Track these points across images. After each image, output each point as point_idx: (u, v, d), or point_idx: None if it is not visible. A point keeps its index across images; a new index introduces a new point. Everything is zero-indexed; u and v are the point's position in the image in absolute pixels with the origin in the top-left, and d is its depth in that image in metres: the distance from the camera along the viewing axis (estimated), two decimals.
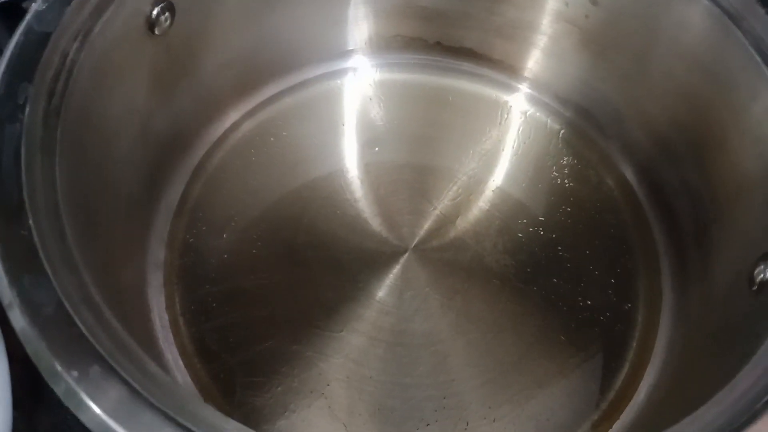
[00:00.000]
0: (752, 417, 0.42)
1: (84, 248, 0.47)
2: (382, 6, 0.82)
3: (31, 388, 0.50)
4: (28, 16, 0.53)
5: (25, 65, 0.51)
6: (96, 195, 0.57)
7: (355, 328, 0.68)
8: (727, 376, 0.46)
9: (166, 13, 0.64)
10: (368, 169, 0.79)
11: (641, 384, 0.66)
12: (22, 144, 0.48)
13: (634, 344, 0.69)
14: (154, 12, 0.63)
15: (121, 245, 0.63)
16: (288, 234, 0.73)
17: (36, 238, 0.44)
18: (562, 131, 0.82)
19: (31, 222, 0.44)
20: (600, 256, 0.74)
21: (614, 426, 0.64)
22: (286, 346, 0.66)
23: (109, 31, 0.58)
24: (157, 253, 0.71)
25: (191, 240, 0.72)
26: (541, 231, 0.75)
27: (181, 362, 0.65)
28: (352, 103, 0.84)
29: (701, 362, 0.60)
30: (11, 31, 0.53)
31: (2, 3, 0.71)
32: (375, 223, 0.75)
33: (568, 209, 0.77)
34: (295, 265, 0.72)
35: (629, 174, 0.79)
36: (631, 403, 0.65)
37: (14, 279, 0.42)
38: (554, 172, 0.79)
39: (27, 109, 0.49)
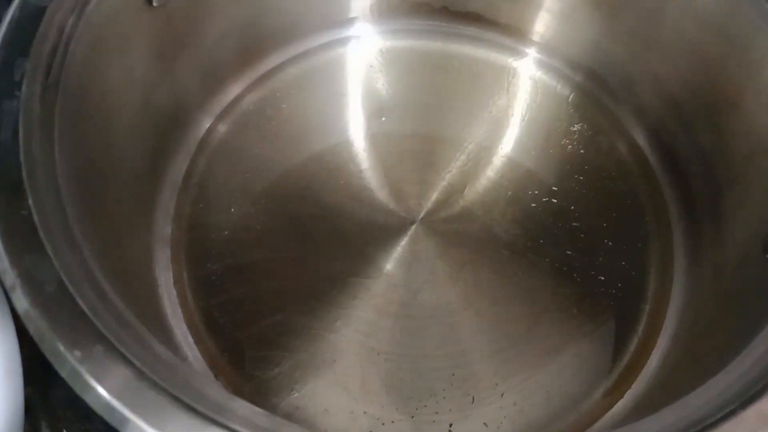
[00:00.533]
0: (766, 386, 0.42)
1: (86, 226, 0.46)
2: None
3: (42, 365, 0.50)
4: None
5: (20, 40, 0.50)
6: (98, 171, 0.57)
7: (364, 300, 0.67)
8: (740, 344, 0.45)
9: None
10: (374, 139, 0.77)
11: (653, 353, 0.66)
12: (20, 121, 0.47)
13: (646, 313, 0.68)
14: None
15: (125, 221, 0.62)
16: (294, 207, 0.73)
17: (36, 217, 0.43)
18: (572, 96, 0.81)
19: (30, 201, 0.44)
20: (612, 225, 0.72)
21: (626, 395, 0.64)
22: (295, 320, 0.66)
23: (105, 4, 0.56)
24: (164, 228, 0.70)
25: (197, 215, 0.72)
26: (552, 200, 0.74)
27: (190, 338, 0.65)
28: (357, 72, 0.83)
29: (713, 330, 0.59)
30: (7, 4, 0.52)
31: None
32: (382, 194, 0.74)
33: (580, 177, 0.75)
34: (302, 239, 0.71)
35: (641, 139, 0.77)
36: (643, 372, 0.65)
37: (15, 258, 0.41)
38: (565, 139, 0.78)
39: (24, 85, 0.48)
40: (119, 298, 0.43)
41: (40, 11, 0.52)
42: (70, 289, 0.40)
